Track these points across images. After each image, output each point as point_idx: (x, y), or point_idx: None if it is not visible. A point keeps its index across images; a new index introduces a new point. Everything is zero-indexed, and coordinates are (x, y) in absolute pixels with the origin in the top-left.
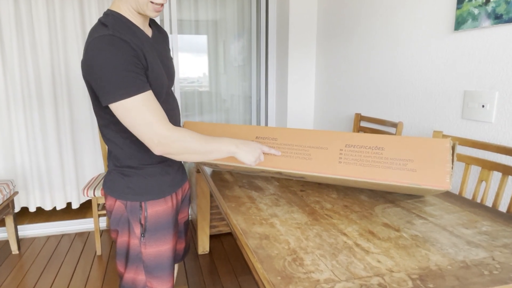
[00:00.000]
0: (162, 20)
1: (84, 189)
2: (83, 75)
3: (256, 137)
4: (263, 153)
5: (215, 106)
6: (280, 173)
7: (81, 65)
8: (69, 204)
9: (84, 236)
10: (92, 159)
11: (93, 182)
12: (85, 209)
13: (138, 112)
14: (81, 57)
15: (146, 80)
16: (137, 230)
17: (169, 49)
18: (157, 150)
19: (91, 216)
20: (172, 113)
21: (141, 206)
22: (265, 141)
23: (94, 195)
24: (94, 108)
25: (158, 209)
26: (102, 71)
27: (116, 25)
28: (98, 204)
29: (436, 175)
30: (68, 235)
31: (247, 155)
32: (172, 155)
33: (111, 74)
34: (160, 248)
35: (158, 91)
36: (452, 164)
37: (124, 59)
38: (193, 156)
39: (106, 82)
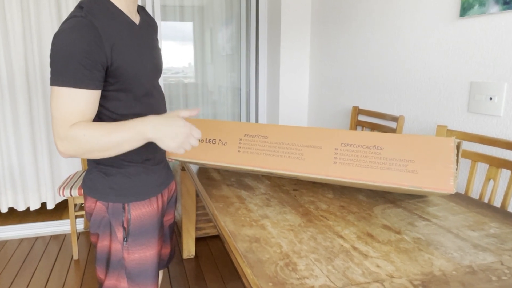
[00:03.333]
0: (144, 6)
1: (60, 188)
2: None
3: (245, 134)
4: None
5: (201, 99)
6: (270, 173)
7: None
8: (43, 205)
9: (60, 239)
10: None
11: (70, 180)
12: (61, 209)
13: (58, 104)
14: None
15: (93, 77)
16: (120, 234)
17: (157, 40)
18: (58, 150)
19: (67, 218)
20: (158, 108)
21: (124, 208)
22: (254, 139)
23: (71, 195)
24: None
25: (142, 211)
26: (56, 54)
27: (94, 7)
28: (75, 205)
29: (439, 177)
30: (43, 237)
31: (166, 141)
32: (74, 156)
33: (60, 59)
34: (144, 253)
35: (137, 82)
36: (457, 165)
37: (80, 47)
38: (100, 153)
39: (54, 64)
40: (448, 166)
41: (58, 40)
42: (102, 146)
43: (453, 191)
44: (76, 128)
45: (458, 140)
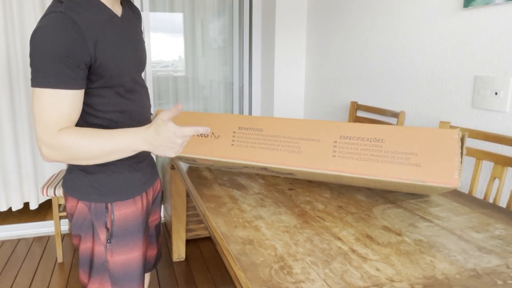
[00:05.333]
0: None
1: (43, 187)
2: None
3: (239, 127)
4: (190, 135)
5: (192, 94)
6: (265, 168)
7: None
8: (26, 205)
9: (44, 241)
10: None
11: (54, 179)
12: (44, 210)
13: (41, 106)
14: None
15: (76, 76)
16: (103, 235)
17: (141, 31)
18: (42, 155)
19: (51, 218)
20: (142, 104)
21: (107, 208)
22: (248, 132)
23: (55, 195)
24: None
25: (126, 211)
26: (36, 53)
27: (74, 1)
28: (60, 205)
29: (443, 170)
30: (25, 239)
31: (165, 151)
32: (59, 162)
33: (41, 59)
34: (129, 255)
35: (120, 79)
36: (461, 158)
37: (62, 46)
38: (86, 161)
39: (34, 64)
40: (452, 159)
41: (38, 39)
42: (90, 155)
43: (458, 185)
44: (64, 135)
45: (462, 133)
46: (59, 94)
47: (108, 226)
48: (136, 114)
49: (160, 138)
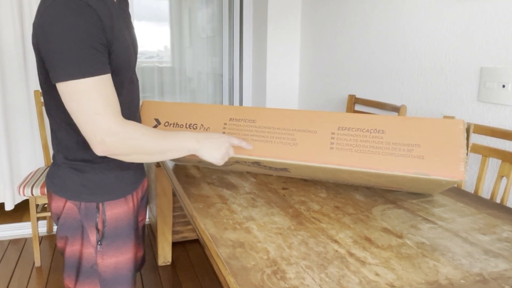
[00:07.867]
0: None
1: (20, 187)
2: (33, 42)
3: (230, 118)
4: (233, 146)
5: (179, 86)
6: (258, 163)
7: (33, 31)
8: (1, 205)
9: (20, 244)
10: (30, 151)
11: (31, 178)
12: (21, 211)
13: (88, 98)
14: (16, 29)
15: (106, 61)
16: (93, 237)
17: (130, 16)
18: (99, 149)
19: (28, 220)
20: (137, 95)
21: (98, 208)
22: (240, 123)
23: (32, 194)
24: (43, 84)
25: (118, 211)
26: (58, 43)
27: None
28: (37, 205)
29: (448, 162)
30: (1, 242)
31: (212, 153)
32: (117, 156)
33: (67, 48)
34: (120, 257)
35: (126, 67)
36: (467, 150)
37: (87, 31)
38: (144, 157)
39: (59, 55)
40: (458, 151)
41: (59, 28)
42: (154, 149)
43: (464, 177)
44: (132, 126)
45: (468, 123)
46: (102, 81)
47: (99, 227)
48: (131, 105)
49: (209, 139)
